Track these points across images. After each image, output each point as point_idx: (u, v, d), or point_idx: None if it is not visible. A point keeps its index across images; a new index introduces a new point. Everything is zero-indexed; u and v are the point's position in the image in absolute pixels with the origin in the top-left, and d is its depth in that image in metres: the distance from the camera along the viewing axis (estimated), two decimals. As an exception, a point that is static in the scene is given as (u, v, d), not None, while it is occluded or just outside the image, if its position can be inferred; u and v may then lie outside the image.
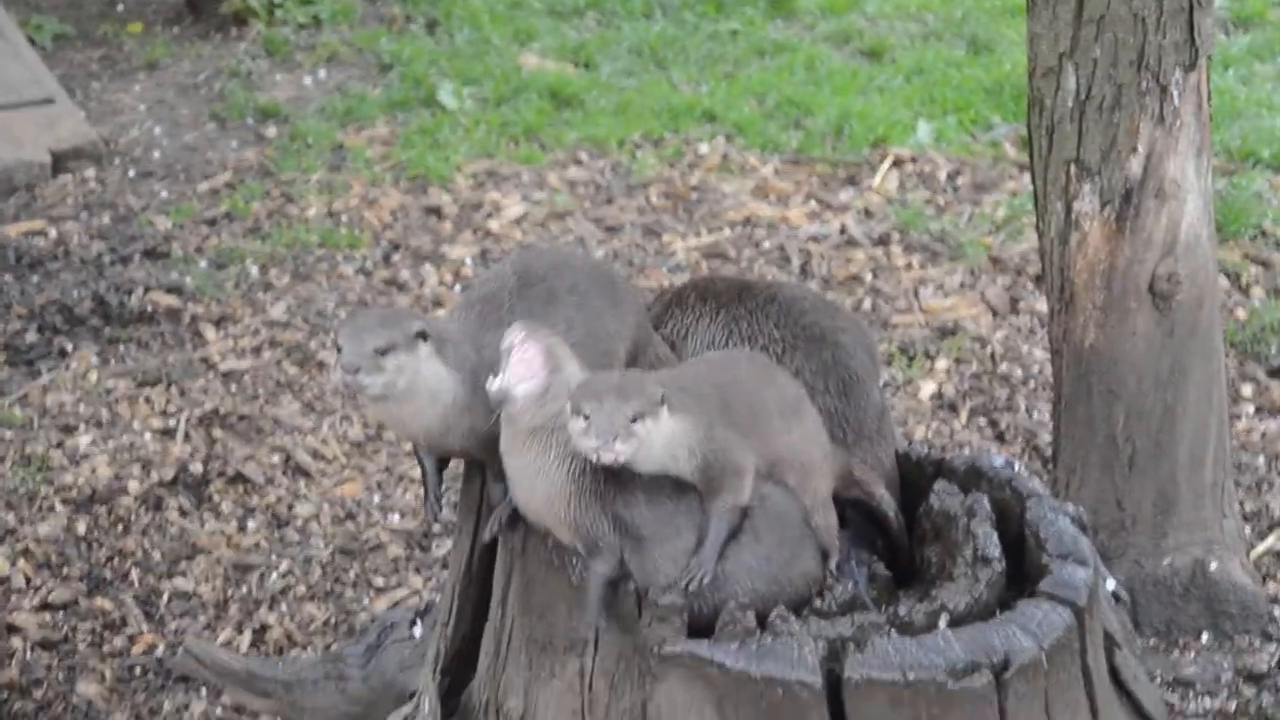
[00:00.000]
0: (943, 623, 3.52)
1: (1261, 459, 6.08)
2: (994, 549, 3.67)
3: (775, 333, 3.93)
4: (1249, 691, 5.00)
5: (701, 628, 3.54)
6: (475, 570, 3.91)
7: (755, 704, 3.39)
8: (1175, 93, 4.91)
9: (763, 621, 3.50)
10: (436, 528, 5.77)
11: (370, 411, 4.66)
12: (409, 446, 4.12)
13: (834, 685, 3.40)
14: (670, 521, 3.60)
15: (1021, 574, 3.72)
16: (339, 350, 3.62)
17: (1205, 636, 5.15)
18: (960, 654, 3.41)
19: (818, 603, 3.62)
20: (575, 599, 3.58)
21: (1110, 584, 3.83)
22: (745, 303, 3.98)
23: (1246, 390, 6.45)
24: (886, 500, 3.90)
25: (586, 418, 3.44)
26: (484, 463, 3.79)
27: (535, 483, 3.57)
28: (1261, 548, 5.58)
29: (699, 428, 3.56)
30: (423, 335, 3.64)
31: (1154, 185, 4.96)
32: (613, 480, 3.57)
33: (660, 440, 3.51)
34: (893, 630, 3.47)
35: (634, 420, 3.45)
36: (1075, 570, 3.62)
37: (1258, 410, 6.35)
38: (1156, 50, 4.85)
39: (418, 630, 4.29)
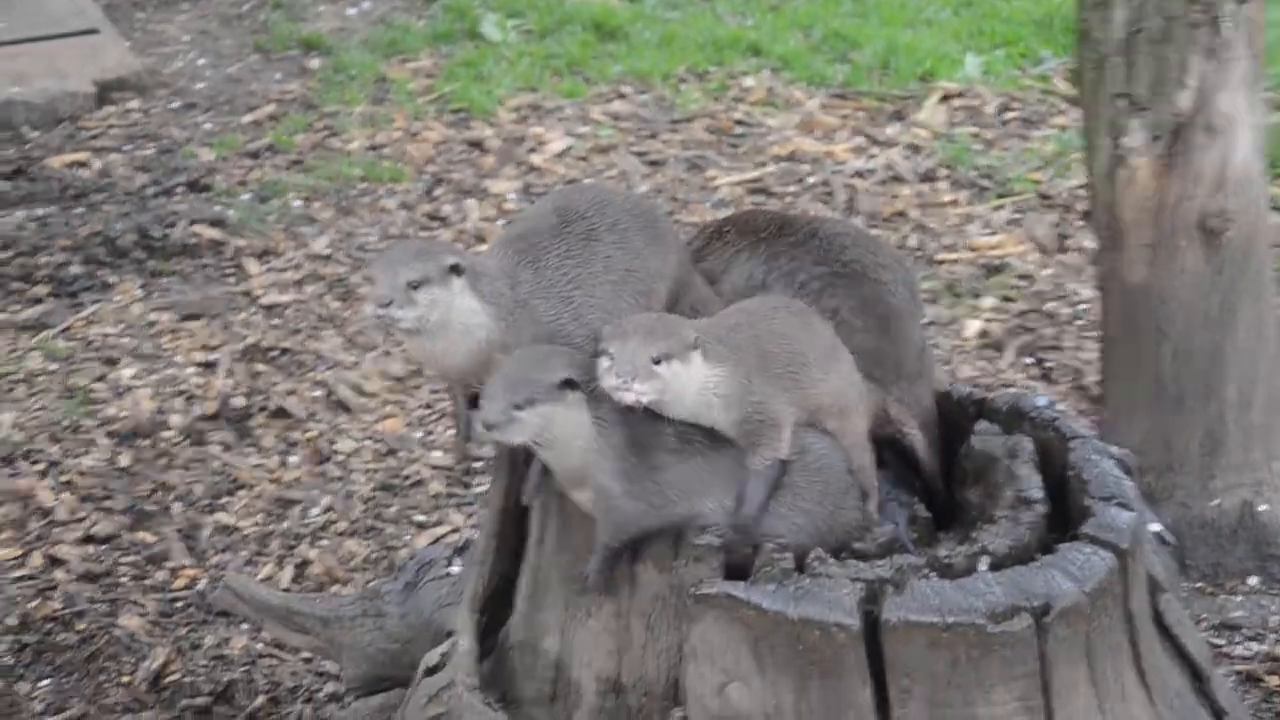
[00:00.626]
0: (983, 565, 3.47)
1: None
2: (1036, 491, 3.62)
3: (815, 268, 3.85)
4: (1297, 635, 4.97)
5: (738, 570, 3.50)
6: (513, 509, 3.87)
7: (791, 645, 3.36)
8: (1227, 24, 4.83)
9: (800, 563, 3.46)
10: (479, 464, 5.74)
11: (404, 346, 4.62)
12: (444, 383, 4.09)
13: (871, 627, 3.36)
14: (700, 478, 3.55)
15: (1065, 517, 3.67)
16: (372, 283, 3.58)
17: (1253, 580, 5.11)
18: (1000, 597, 3.36)
19: (857, 544, 3.57)
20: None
21: (1156, 526, 3.78)
22: (786, 237, 3.91)
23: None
24: (918, 439, 3.85)
25: (611, 357, 3.41)
26: None
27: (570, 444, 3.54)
28: (1310, 489, 5.50)
29: (735, 378, 3.50)
30: (456, 269, 3.59)
31: (1204, 120, 4.89)
32: (640, 449, 3.53)
33: (691, 385, 3.46)
34: (932, 573, 3.43)
35: (657, 361, 3.40)
36: (1118, 513, 3.56)
37: (1307, 349, 6.25)
38: (1207, -20, 4.79)
39: (455, 568, 4.27)
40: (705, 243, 4.00)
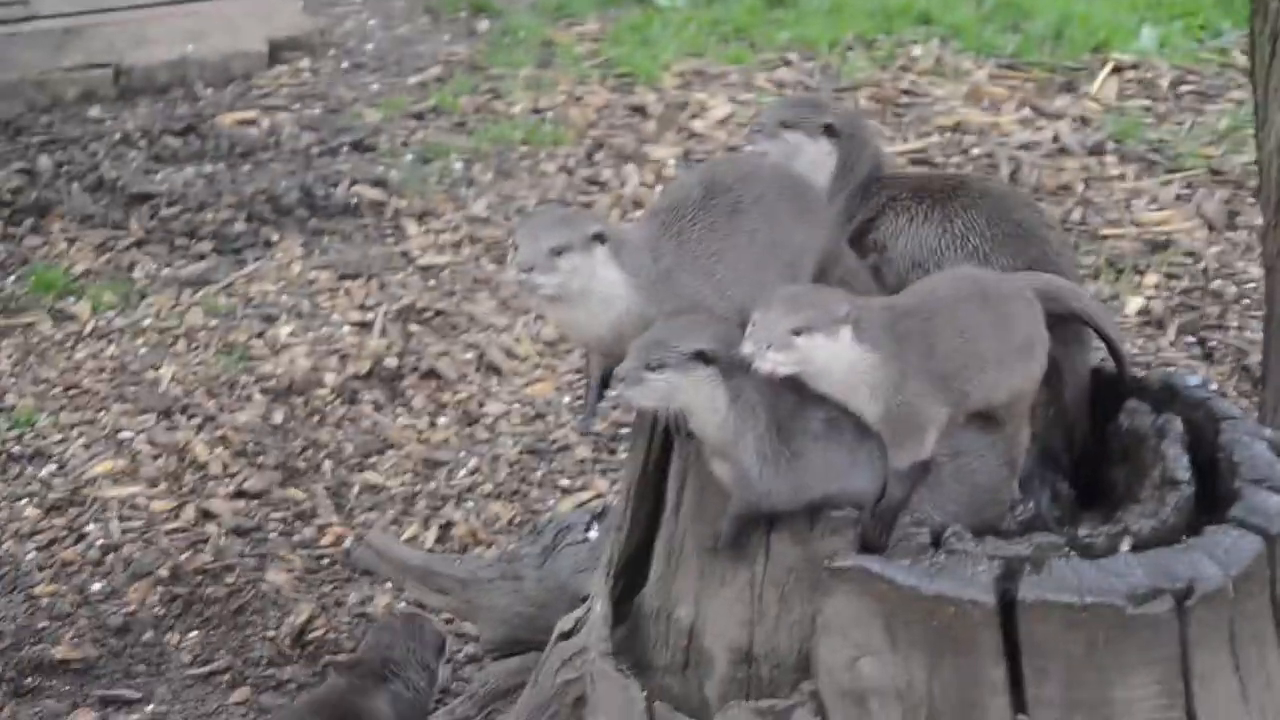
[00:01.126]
0: (1125, 546, 3.38)
1: None
2: (1183, 471, 3.51)
3: (987, 230, 3.76)
4: None
5: (874, 544, 3.45)
6: (651, 476, 3.84)
7: (925, 622, 3.29)
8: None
9: (937, 539, 3.39)
10: (625, 430, 5.72)
11: (545, 313, 4.61)
12: (584, 352, 4.09)
13: (1007, 605, 3.29)
14: (842, 466, 3.49)
15: (1213, 499, 3.57)
16: (515, 249, 3.57)
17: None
18: (1141, 579, 3.27)
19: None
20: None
21: (1308, 512, 3.65)
22: (959, 199, 3.82)
23: None
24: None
25: (754, 324, 3.35)
26: None
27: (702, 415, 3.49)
28: None
29: (888, 369, 3.39)
30: (600, 238, 3.56)
31: (1379, 94, 4.74)
32: (784, 432, 3.46)
33: (836, 364, 3.38)
34: (1072, 552, 3.34)
35: (797, 333, 3.33)
36: (1269, 497, 3.45)
37: None
38: (1402, -57, 4.64)
39: (593, 533, 4.25)
40: (878, 210, 3.91)
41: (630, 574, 3.92)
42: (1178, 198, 6.92)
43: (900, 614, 3.32)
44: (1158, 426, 3.63)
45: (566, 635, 3.98)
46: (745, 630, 3.60)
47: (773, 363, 3.32)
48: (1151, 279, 6.40)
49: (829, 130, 3.87)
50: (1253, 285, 6.30)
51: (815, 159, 3.88)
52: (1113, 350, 3.79)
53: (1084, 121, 7.52)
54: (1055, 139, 7.36)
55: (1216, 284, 6.35)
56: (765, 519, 3.50)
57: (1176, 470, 3.52)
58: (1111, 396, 3.83)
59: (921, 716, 3.36)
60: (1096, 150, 7.28)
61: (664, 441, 3.80)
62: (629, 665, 3.76)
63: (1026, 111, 7.62)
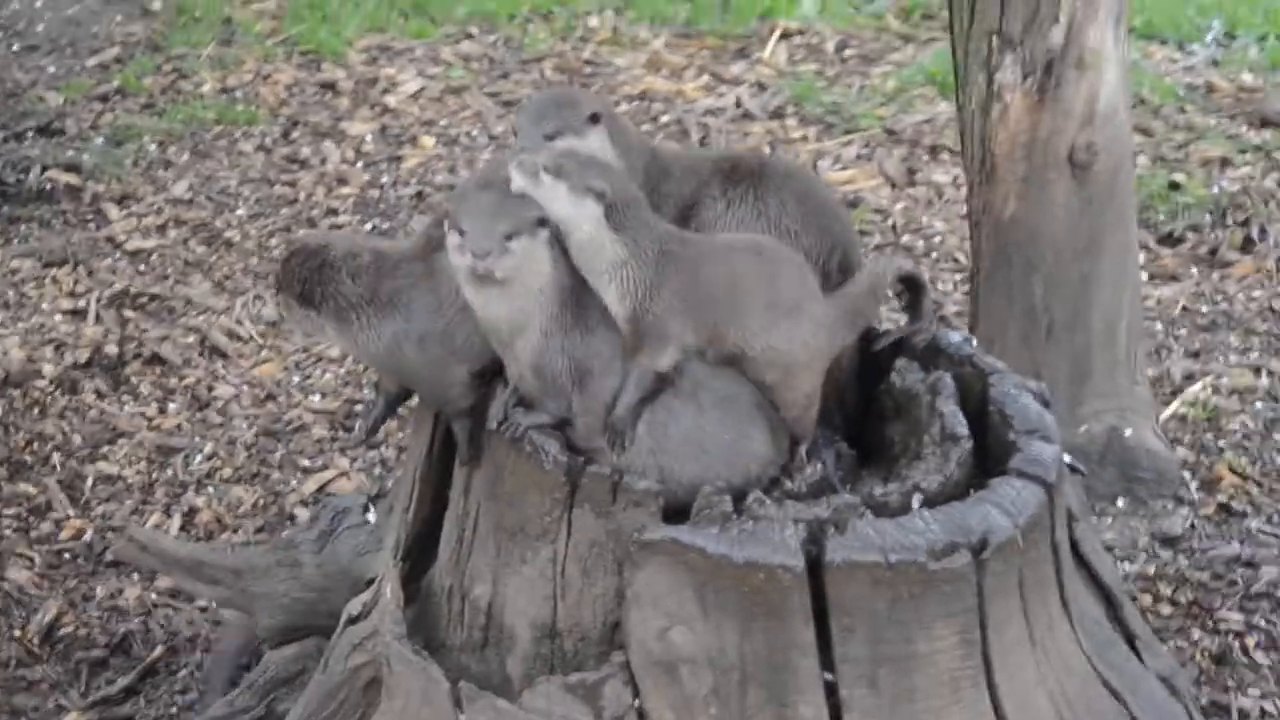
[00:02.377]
0: (916, 502, 3.38)
1: (1159, 325, 6.01)
2: (961, 427, 3.52)
3: (796, 210, 3.71)
4: (1165, 554, 4.97)
5: (672, 513, 3.38)
6: (436, 456, 3.71)
7: (737, 588, 3.24)
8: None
9: (738, 504, 3.33)
10: (359, 408, 5.55)
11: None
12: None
13: (813, 567, 3.25)
14: (618, 354, 3.43)
15: (983, 452, 3.58)
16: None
17: (1121, 502, 5.10)
18: (939, 534, 3.28)
19: (788, 485, 3.46)
20: (549, 485, 3.41)
21: (1066, 457, 3.70)
22: (767, 182, 3.74)
23: (1140, 258, 6.35)
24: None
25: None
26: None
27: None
28: (1167, 412, 5.51)
29: (640, 273, 3.37)
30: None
31: (1074, 55, 4.84)
32: (580, 318, 3.41)
33: (582, 252, 3.38)
34: (869, 511, 3.32)
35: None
36: (1044, 447, 3.49)
37: (1151, 278, 6.27)
38: (1078, -83, 4.73)
39: (371, 516, 4.09)
40: (694, 198, 3.80)
41: (417, 553, 3.79)
42: (858, 157, 7.00)
43: (711, 582, 3.27)
44: (930, 384, 3.64)
45: (355, 619, 3.81)
46: (548, 605, 3.51)
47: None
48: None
49: (594, 118, 3.65)
50: (939, 239, 6.41)
51: (588, 150, 3.71)
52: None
53: (761, 87, 7.55)
54: (738, 104, 7.38)
55: (906, 239, 6.44)
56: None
57: (955, 426, 3.53)
58: (877, 356, 3.83)
59: (733, 681, 3.31)
60: (778, 114, 7.32)
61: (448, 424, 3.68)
62: (420, 645, 3.64)
63: (707, 78, 7.62)
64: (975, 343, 3.82)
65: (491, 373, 3.57)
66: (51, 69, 7.80)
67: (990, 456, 3.57)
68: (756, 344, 3.44)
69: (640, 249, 3.39)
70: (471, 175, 3.38)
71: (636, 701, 3.38)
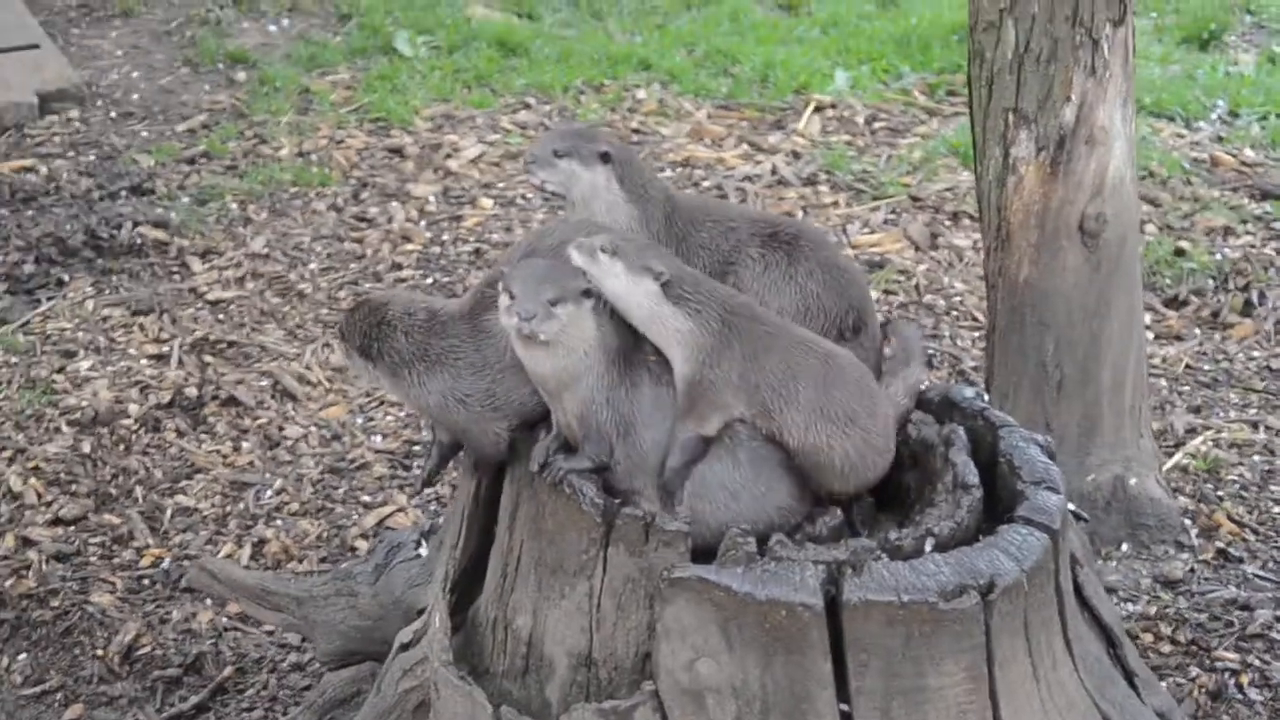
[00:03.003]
0: (928, 546, 3.35)
1: (1163, 381, 5.96)
2: (972, 476, 3.50)
3: (822, 275, 3.70)
4: (1166, 596, 4.92)
5: (700, 552, 3.36)
6: (483, 496, 3.70)
7: (759, 624, 3.22)
8: (1105, 46, 4.77)
9: (761, 546, 3.32)
10: (418, 448, 5.55)
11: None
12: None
13: (831, 606, 3.23)
14: (662, 406, 3.44)
15: (993, 499, 3.56)
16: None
17: (1125, 547, 5.06)
18: (950, 576, 3.25)
19: (809, 529, 3.44)
20: (586, 525, 3.40)
21: (1070, 505, 3.67)
22: (801, 246, 3.73)
23: (1146, 319, 6.31)
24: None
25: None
26: None
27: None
28: (1170, 463, 5.46)
29: (704, 337, 3.39)
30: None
31: (1085, 132, 4.83)
32: (626, 375, 3.44)
33: (648, 317, 3.42)
34: (883, 554, 3.30)
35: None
36: (1049, 496, 3.47)
37: (1156, 337, 6.24)
38: (1090, 6, 4.72)
39: (423, 550, 4.09)
40: (732, 254, 3.79)
41: (464, 585, 3.78)
42: (885, 222, 6.98)
43: (736, 618, 3.25)
44: (944, 435, 3.62)
45: (406, 646, 3.81)
46: (584, 637, 3.49)
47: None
48: (873, 294, 6.42)
49: (604, 157, 3.73)
50: (959, 299, 6.38)
51: (593, 185, 3.75)
52: None
53: (796, 155, 7.54)
54: (774, 171, 7.37)
55: (928, 298, 6.41)
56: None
57: (967, 476, 3.51)
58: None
59: (755, 710, 3.29)
60: (810, 181, 7.30)
61: (496, 467, 3.68)
62: (467, 672, 3.62)
63: (745, 147, 7.62)
64: (987, 397, 3.80)
65: (531, 424, 3.58)
66: (144, 134, 7.85)
67: (999, 504, 3.55)
68: (793, 439, 3.43)
69: (704, 319, 3.42)
70: (526, 236, 3.40)
71: (665, 727, 3.37)
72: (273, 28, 9.04)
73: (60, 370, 6.01)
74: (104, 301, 6.42)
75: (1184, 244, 6.70)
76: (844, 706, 3.29)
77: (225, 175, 7.38)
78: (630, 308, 3.43)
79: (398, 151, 7.58)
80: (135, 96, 8.26)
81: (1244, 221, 6.90)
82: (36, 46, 8.46)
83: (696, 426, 3.44)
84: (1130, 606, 4.87)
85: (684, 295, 3.42)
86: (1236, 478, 5.42)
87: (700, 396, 3.42)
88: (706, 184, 7.24)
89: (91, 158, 7.58)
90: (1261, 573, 5.01)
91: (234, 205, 7.12)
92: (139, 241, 6.80)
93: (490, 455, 3.60)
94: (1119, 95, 4.84)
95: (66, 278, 6.59)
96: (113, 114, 8.06)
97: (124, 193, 7.22)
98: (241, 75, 8.45)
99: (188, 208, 7.08)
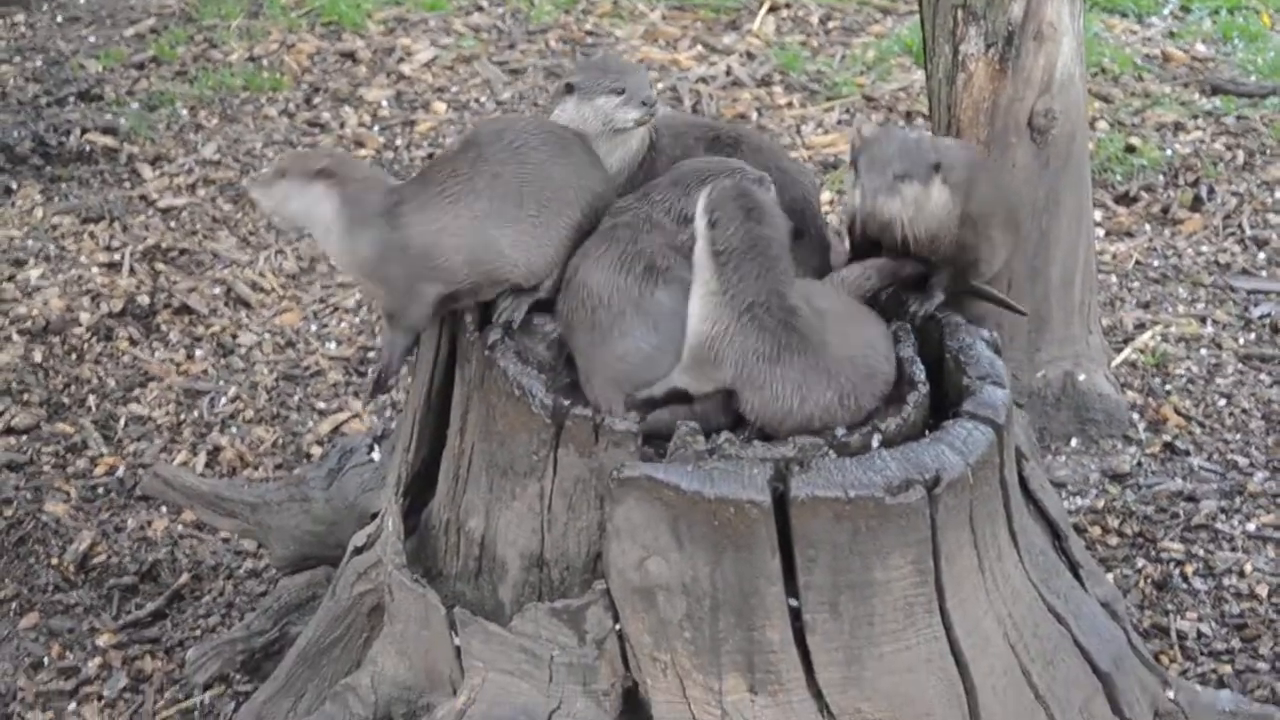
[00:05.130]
0: (875, 443, 3.38)
1: (1113, 278, 5.99)
2: (919, 372, 3.53)
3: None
4: (1114, 490, 4.97)
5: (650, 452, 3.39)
6: (434, 399, 3.71)
7: (708, 522, 3.25)
8: (1052, -59, 4.75)
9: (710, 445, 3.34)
10: (372, 354, 5.55)
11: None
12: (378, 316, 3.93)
13: (779, 502, 3.26)
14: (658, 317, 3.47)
15: (940, 394, 3.59)
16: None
17: (1074, 442, 5.10)
18: (896, 472, 3.28)
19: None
20: (536, 426, 3.42)
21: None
22: (741, 151, 3.74)
23: (1097, 215, 6.33)
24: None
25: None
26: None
27: None
28: (1119, 359, 5.50)
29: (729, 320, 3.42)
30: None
31: (1033, 27, 4.80)
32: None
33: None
34: (831, 451, 3.33)
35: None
36: (995, 391, 3.49)
37: (1107, 234, 6.25)
38: (1037, -102, 4.69)
39: (376, 455, 4.10)
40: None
41: (417, 489, 3.80)
42: (839, 122, 6.97)
43: (685, 516, 3.27)
44: (892, 332, 3.63)
45: (360, 550, 3.84)
46: (536, 538, 3.52)
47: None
48: (825, 195, 6.42)
49: (568, 89, 3.73)
50: (912, 198, 6.36)
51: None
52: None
53: (750, 56, 7.51)
54: (728, 72, 7.34)
55: (880, 198, 6.39)
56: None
57: (914, 372, 3.53)
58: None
59: (705, 607, 3.33)
60: (765, 82, 7.28)
61: (445, 371, 3.69)
62: (420, 574, 3.65)
63: (699, 49, 7.58)
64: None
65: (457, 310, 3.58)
66: (92, 39, 7.76)
67: (946, 399, 3.57)
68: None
69: (732, 300, 3.39)
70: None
71: (617, 625, 3.41)
72: (221, -70, 8.93)
73: (10, 279, 5.97)
74: (53, 209, 6.38)
75: (1134, 140, 6.71)
76: (793, 601, 3.33)
77: (175, 80, 7.32)
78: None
79: (350, 55, 7.53)
80: (81, 1, 8.15)
81: (1194, 117, 6.91)
82: (-22, -49, 8.34)
83: (691, 383, 3.45)
84: (1079, 500, 4.92)
85: (727, 268, 3.40)
86: (1184, 372, 5.46)
87: (704, 360, 3.43)
88: (661, 86, 7.21)
89: (38, 63, 7.49)
90: (1207, 465, 5.06)
91: (184, 111, 7.07)
92: (88, 148, 6.74)
93: (415, 320, 3.58)
94: (1067, -9, 4.82)
95: (14, 185, 6.54)
96: (59, 19, 7.97)
97: (72, 99, 7.16)
98: (190, -21, 8.35)
99: (137, 114, 7.02)
